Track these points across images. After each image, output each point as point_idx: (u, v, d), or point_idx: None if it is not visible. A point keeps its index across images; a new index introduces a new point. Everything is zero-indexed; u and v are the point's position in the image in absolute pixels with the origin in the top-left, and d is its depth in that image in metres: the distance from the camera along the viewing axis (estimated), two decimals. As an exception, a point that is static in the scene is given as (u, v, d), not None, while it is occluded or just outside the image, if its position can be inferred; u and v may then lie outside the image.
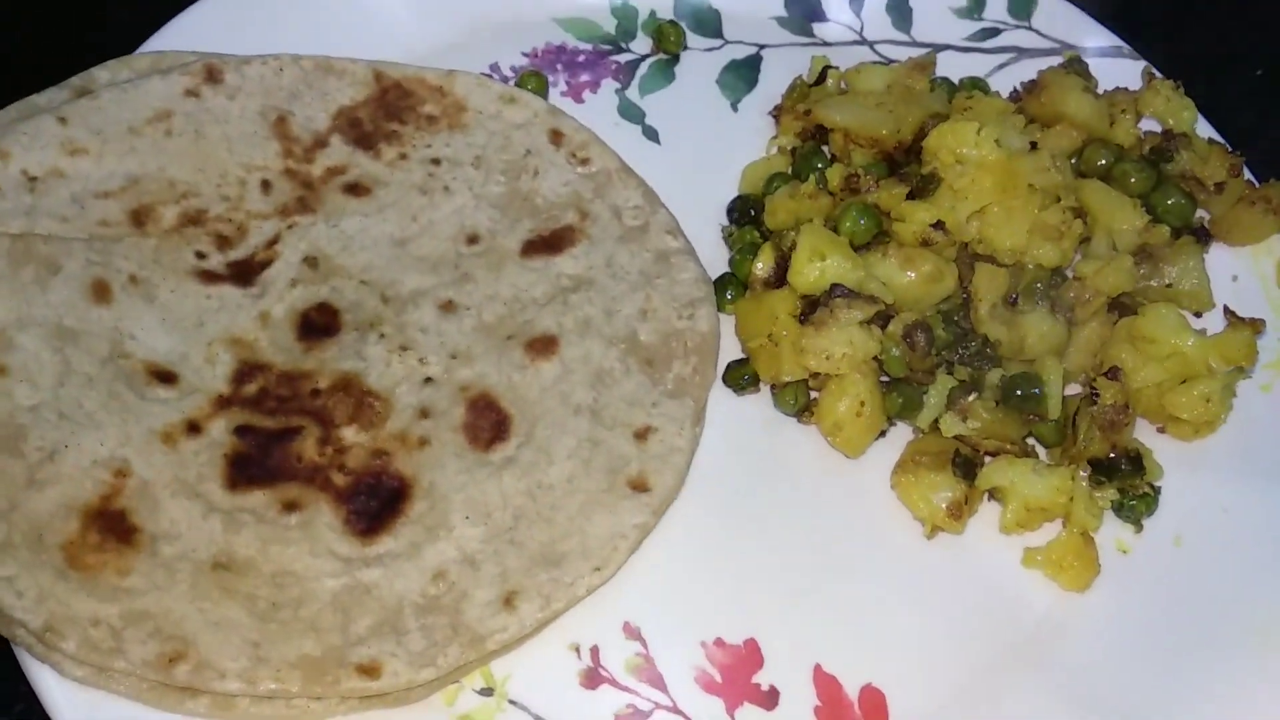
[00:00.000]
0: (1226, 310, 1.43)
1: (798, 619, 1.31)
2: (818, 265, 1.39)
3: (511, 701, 1.24)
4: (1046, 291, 1.41)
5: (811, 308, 1.40)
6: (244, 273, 1.43)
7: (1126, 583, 1.34)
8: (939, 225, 1.41)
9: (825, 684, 1.27)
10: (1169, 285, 1.46)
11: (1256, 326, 1.38)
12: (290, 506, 1.28)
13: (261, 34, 1.61)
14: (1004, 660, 1.29)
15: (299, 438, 1.32)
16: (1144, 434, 1.42)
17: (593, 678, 1.26)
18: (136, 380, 1.33)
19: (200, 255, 1.43)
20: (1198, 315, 1.48)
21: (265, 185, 1.49)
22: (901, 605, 1.32)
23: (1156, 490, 1.37)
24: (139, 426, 1.30)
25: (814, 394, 1.42)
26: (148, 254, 1.41)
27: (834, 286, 1.38)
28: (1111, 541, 1.36)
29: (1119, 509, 1.36)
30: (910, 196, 1.44)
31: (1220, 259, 1.53)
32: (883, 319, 1.39)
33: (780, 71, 1.68)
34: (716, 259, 1.54)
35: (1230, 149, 1.55)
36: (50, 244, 1.38)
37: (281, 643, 1.20)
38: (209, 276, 1.42)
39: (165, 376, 1.34)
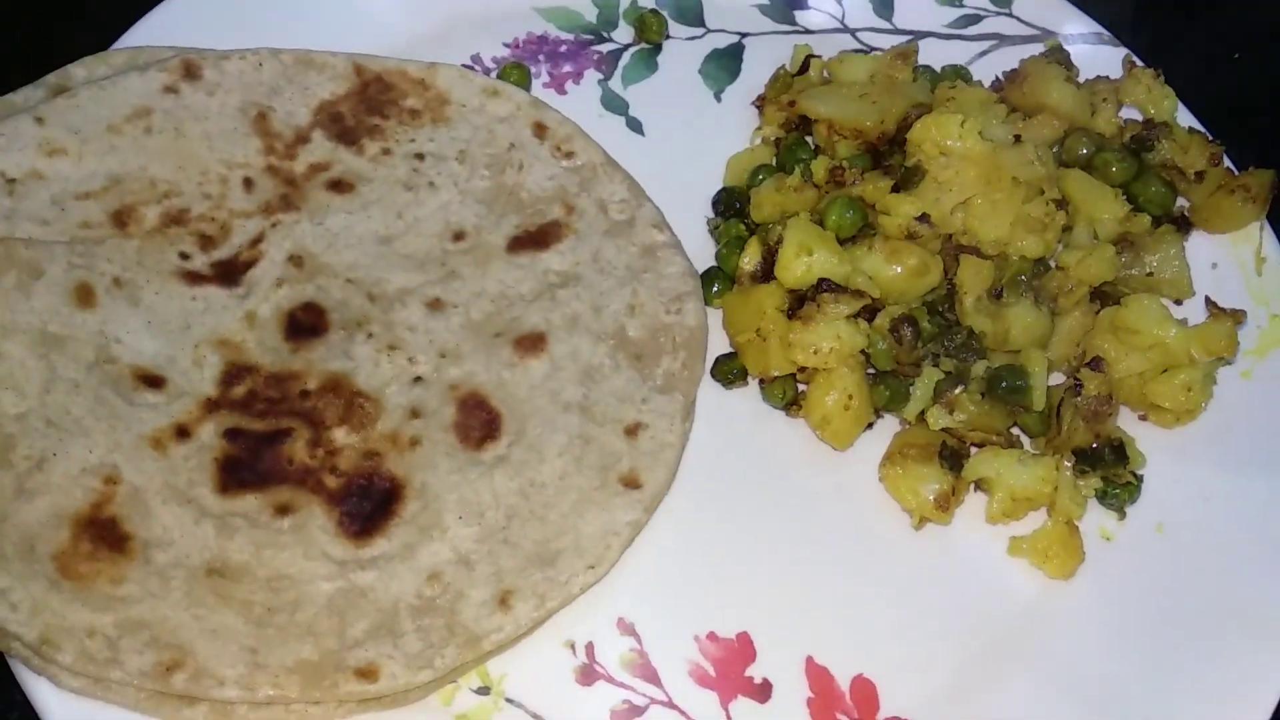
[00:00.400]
0: (1208, 301, 1.44)
1: (789, 611, 1.32)
2: (805, 260, 1.39)
3: (508, 700, 1.26)
4: (1030, 283, 1.42)
5: (799, 302, 1.40)
6: (229, 273, 1.42)
7: (1110, 570, 1.36)
8: (924, 218, 1.41)
9: (817, 675, 1.29)
10: (1150, 274, 1.47)
11: (1238, 317, 1.40)
12: (282, 510, 1.28)
13: (238, 26, 1.59)
14: (992, 648, 1.31)
15: (289, 440, 1.32)
16: (1126, 421, 1.43)
17: (588, 674, 1.28)
18: (123, 385, 1.32)
19: (184, 256, 1.42)
20: (1178, 303, 1.49)
21: (247, 183, 1.47)
22: (890, 596, 1.34)
23: (1139, 478, 1.39)
24: (128, 432, 1.29)
25: (802, 387, 1.43)
26: (131, 255, 1.40)
27: (821, 281, 1.38)
28: (1095, 529, 1.38)
29: (1102, 497, 1.38)
30: (895, 189, 1.44)
31: (1200, 247, 1.55)
32: (869, 312, 1.40)
33: (763, 60, 1.68)
34: (702, 251, 1.54)
35: (1210, 138, 1.56)
36: (32, 248, 1.36)
37: (278, 648, 1.20)
38: (194, 277, 1.41)
39: (152, 380, 1.34)
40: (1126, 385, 1.41)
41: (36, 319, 1.33)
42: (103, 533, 1.23)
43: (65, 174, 1.42)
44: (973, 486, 1.39)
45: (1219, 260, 1.54)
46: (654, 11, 1.70)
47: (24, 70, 1.52)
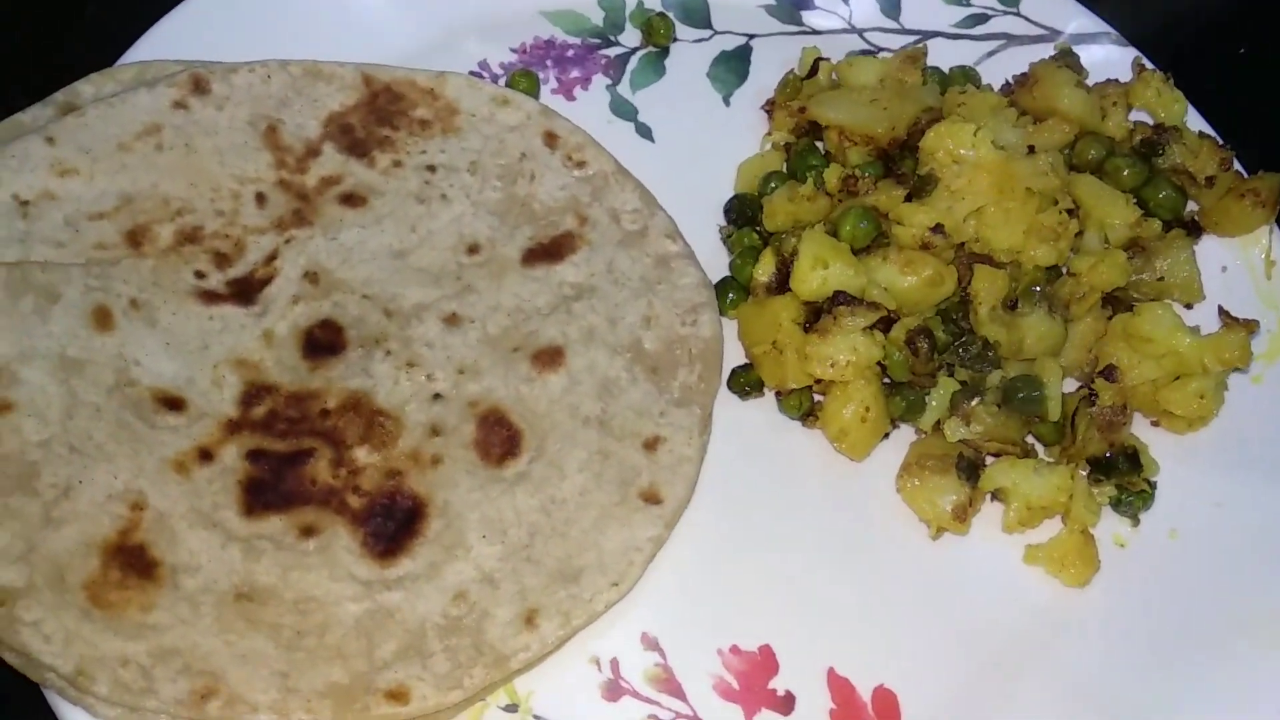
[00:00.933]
0: (1221, 311, 1.45)
1: (810, 623, 1.34)
2: (820, 273, 1.40)
3: (536, 717, 1.27)
4: (1044, 293, 1.43)
5: (814, 314, 1.41)
6: (245, 291, 1.41)
7: (1124, 576, 1.38)
8: (938, 229, 1.42)
9: (839, 686, 1.31)
10: (1160, 278, 1.48)
11: (1250, 327, 1.41)
12: (307, 531, 1.29)
13: (245, 38, 1.58)
14: (1010, 656, 1.33)
15: (312, 460, 1.33)
16: (1138, 427, 1.45)
17: (614, 690, 1.29)
18: (144, 408, 1.32)
19: (199, 275, 1.41)
20: (1188, 306, 1.51)
21: (260, 198, 1.47)
22: (909, 606, 1.36)
23: (1153, 486, 1.40)
24: (151, 456, 1.30)
25: (818, 398, 1.44)
26: (146, 276, 1.39)
27: (836, 294, 1.39)
28: (1109, 535, 1.40)
29: (1117, 504, 1.40)
30: (908, 198, 1.45)
31: (1210, 250, 1.56)
32: (884, 323, 1.41)
33: (771, 62, 1.67)
34: (715, 259, 1.54)
35: (1220, 142, 1.57)
36: (48, 271, 1.36)
37: (309, 672, 1.21)
38: (210, 296, 1.40)
39: (173, 403, 1.34)
40: (1139, 392, 1.43)
41: (55, 343, 1.33)
42: (131, 560, 1.23)
43: (78, 194, 1.41)
44: (989, 496, 1.40)
45: (1229, 264, 1.56)
46: (661, 14, 1.69)
47: (24, 80, 1.51)
